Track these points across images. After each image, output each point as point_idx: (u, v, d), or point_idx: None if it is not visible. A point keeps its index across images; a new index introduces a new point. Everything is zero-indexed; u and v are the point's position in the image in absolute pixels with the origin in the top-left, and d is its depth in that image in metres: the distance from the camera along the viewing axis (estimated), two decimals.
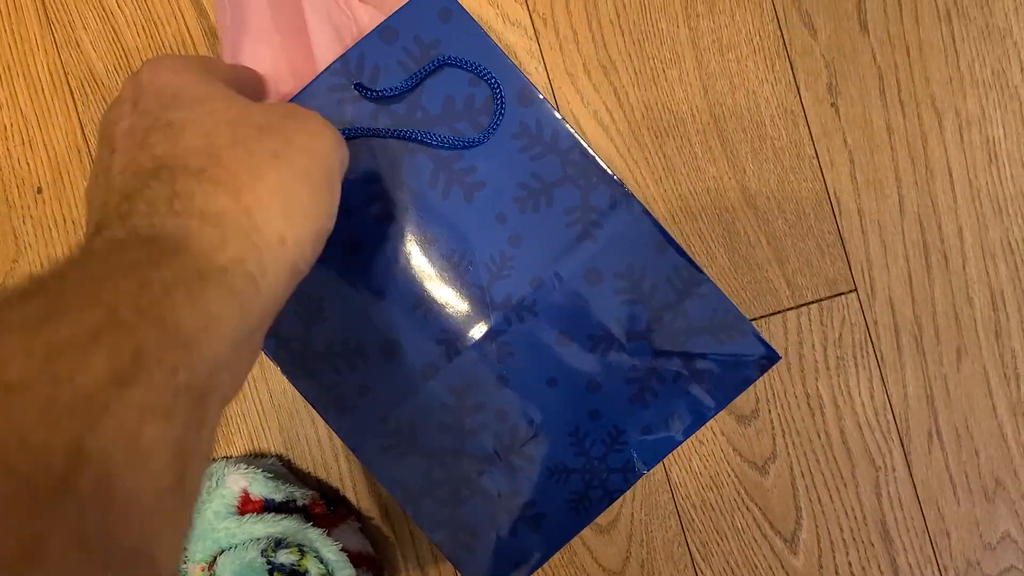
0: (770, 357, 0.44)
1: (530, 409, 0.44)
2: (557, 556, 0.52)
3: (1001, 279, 0.50)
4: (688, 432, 0.44)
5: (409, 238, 0.44)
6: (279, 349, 0.44)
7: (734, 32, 0.50)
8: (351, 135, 0.43)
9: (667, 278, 0.43)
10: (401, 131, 0.43)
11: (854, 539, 0.51)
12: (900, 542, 0.51)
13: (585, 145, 0.44)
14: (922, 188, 0.50)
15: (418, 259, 0.44)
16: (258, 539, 0.47)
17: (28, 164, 0.53)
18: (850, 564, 0.51)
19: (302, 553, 0.46)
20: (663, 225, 0.44)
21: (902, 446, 0.51)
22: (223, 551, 0.47)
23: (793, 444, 0.51)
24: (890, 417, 0.51)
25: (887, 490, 0.51)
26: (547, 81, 0.51)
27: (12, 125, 0.52)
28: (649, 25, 0.51)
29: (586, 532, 0.52)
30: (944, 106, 0.50)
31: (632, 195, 0.44)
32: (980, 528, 0.51)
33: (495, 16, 0.50)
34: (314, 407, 0.44)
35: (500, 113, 0.43)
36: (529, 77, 0.50)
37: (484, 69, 0.43)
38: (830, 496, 0.51)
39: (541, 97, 0.44)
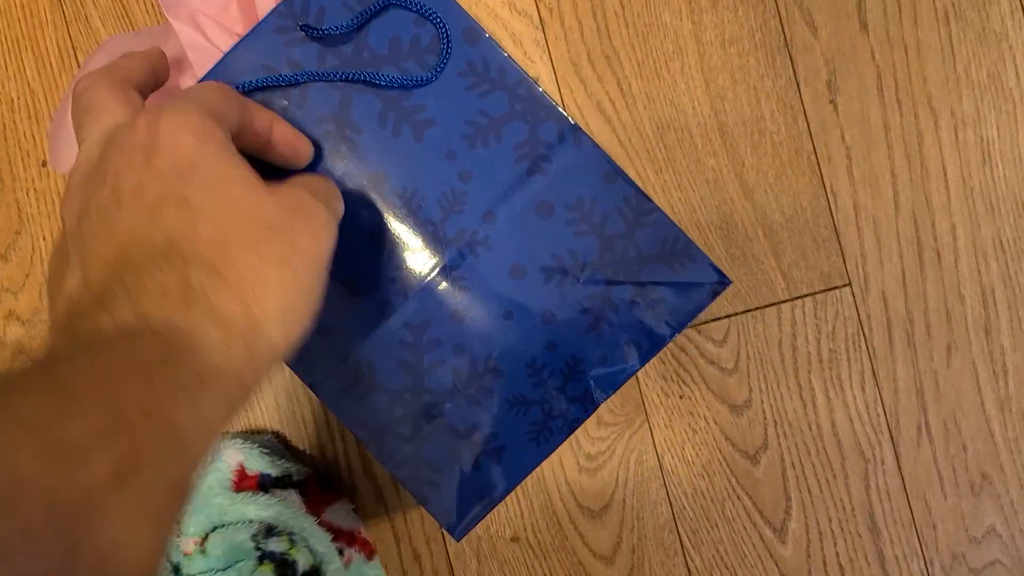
0: (722, 282, 0.45)
1: (487, 342, 0.44)
2: (548, 539, 0.52)
3: (992, 277, 0.51)
4: (644, 359, 0.44)
5: (361, 178, 0.44)
6: None
7: (736, 27, 0.51)
8: (299, 79, 0.43)
9: (617, 208, 0.45)
10: (348, 73, 0.43)
11: (842, 530, 0.52)
12: (887, 534, 0.52)
13: (532, 81, 0.45)
14: (917, 186, 0.51)
15: (371, 198, 0.44)
16: (249, 521, 0.47)
17: (34, 137, 0.53)
18: (837, 555, 0.52)
19: (292, 543, 0.46)
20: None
21: (891, 439, 0.52)
22: (215, 528, 0.47)
23: (784, 435, 0.52)
24: (880, 410, 0.52)
25: (875, 482, 0.52)
26: (551, 70, 0.51)
27: (19, 98, 0.53)
28: (653, 18, 0.51)
29: (577, 517, 0.52)
30: (940, 106, 0.51)
31: (580, 128, 0.45)
32: (966, 522, 0.52)
33: (501, 4, 0.51)
34: None
35: (447, 52, 0.43)
36: (533, 65, 0.51)
37: (429, 9, 0.43)
38: (820, 487, 0.52)
39: (487, 36, 0.44)
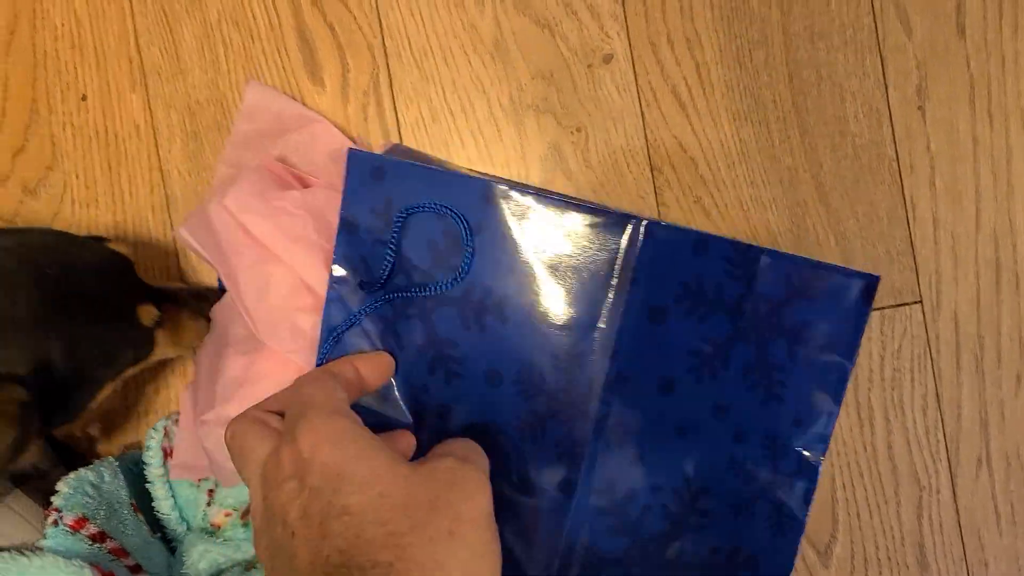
0: (869, 280, 0.41)
1: (678, 469, 0.41)
2: None
3: None
4: (838, 398, 0.41)
5: (479, 386, 0.42)
6: None
7: (827, 21, 0.49)
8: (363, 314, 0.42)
9: (724, 272, 0.41)
10: (403, 295, 0.41)
11: (889, 559, 0.49)
12: (936, 567, 0.49)
13: (576, 200, 0.41)
14: (1001, 204, 0.49)
15: (495, 399, 0.42)
16: None
17: (76, 69, 0.50)
18: None
19: None
20: (716, 231, 0.42)
21: (949, 469, 0.49)
22: None
23: (838, 454, 0.49)
24: (941, 436, 0.49)
25: (929, 512, 0.49)
26: (628, 47, 0.49)
27: (63, 26, 0.50)
28: (740, 1, 0.49)
29: None
30: None
31: (646, 219, 0.40)
32: (1020, 562, 0.49)
33: None
34: None
35: (470, 243, 0.40)
36: (610, 41, 0.49)
37: (434, 205, 0.40)
38: (870, 512, 0.49)
39: (504, 187, 0.40)
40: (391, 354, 0.42)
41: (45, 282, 0.38)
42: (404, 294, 0.41)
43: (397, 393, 0.42)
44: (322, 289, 0.42)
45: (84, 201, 0.50)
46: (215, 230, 0.43)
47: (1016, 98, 0.49)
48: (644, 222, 0.40)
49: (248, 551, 0.46)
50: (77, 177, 0.50)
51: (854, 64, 0.49)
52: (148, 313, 0.42)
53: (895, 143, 0.49)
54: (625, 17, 0.49)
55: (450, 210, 0.40)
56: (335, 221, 0.42)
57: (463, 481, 0.32)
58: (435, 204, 0.40)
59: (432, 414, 0.41)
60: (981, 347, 0.49)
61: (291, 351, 0.42)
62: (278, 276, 0.42)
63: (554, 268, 0.41)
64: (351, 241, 0.41)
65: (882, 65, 0.49)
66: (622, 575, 0.41)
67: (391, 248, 0.41)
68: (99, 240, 0.43)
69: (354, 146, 0.42)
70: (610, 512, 0.41)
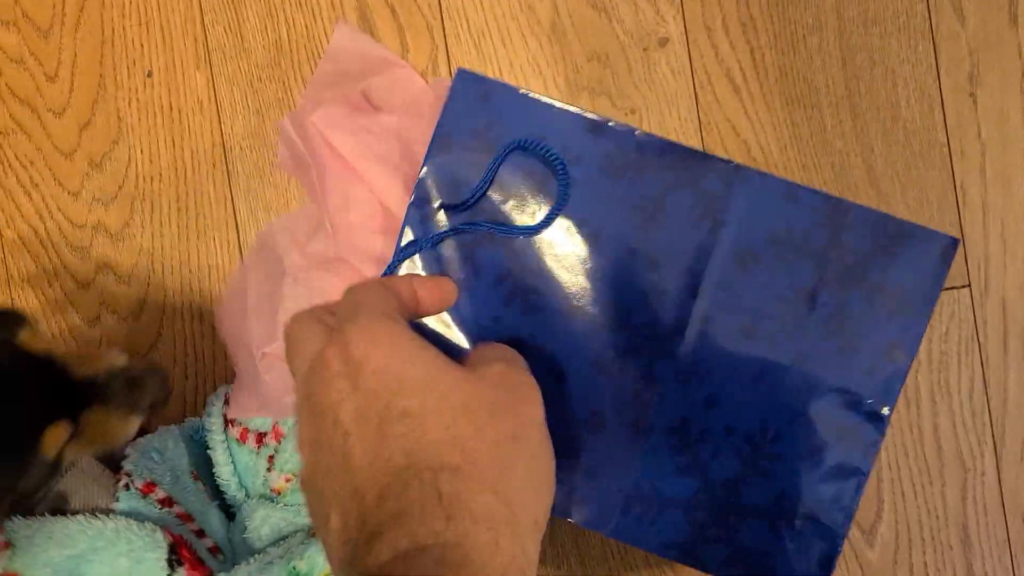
0: (950, 241, 0.41)
1: (753, 412, 0.42)
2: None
3: None
4: (912, 350, 0.42)
5: (562, 313, 0.43)
6: None
7: (881, 7, 0.49)
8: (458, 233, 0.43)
9: (813, 223, 0.42)
10: (495, 226, 0.43)
11: (933, 539, 0.50)
12: (980, 548, 0.50)
13: (675, 143, 0.42)
14: None
15: (580, 326, 0.43)
16: None
17: (142, 46, 0.51)
18: (925, 564, 0.50)
19: None
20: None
21: (995, 451, 0.50)
22: None
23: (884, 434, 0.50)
24: (987, 419, 0.50)
25: (973, 494, 0.50)
26: (683, 31, 0.49)
27: (131, 3, 0.51)
28: None
29: None
30: None
31: (741, 165, 0.42)
32: None
33: None
34: None
35: (565, 179, 0.42)
36: (665, 25, 0.49)
37: (540, 144, 0.42)
38: (915, 493, 0.50)
39: (610, 122, 0.42)
40: (465, 281, 0.42)
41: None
42: (491, 226, 0.42)
43: (461, 321, 0.43)
44: (400, 211, 0.43)
45: (148, 174, 0.51)
46: (307, 138, 0.44)
47: None
48: (738, 165, 0.41)
49: (306, 518, 0.47)
50: (141, 152, 0.51)
51: (907, 50, 0.49)
52: (54, 441, 0.35)
53: (946, 129, 0.49)
54: (681, 1, 0.50)
55: (548, 152, 0.42)
56: (418, 149, 0.43)
57: (519, 385, 0.32)
58: (537, 142, 0.42)
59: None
60: None
61: (364, 273, 0.43)
62: (358, 194, 0.44)
63: (648, 206, 0.42)
64: (442, 161, 0.42)
65: (935, 52, 0.49)
66: (685, 519, 0.42)
67: (488, 174, 0.42)
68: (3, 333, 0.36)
69: (463, 71, 0.43)
70: (681, 451, 0.42)
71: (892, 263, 0.41)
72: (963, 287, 0.49)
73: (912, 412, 0.50)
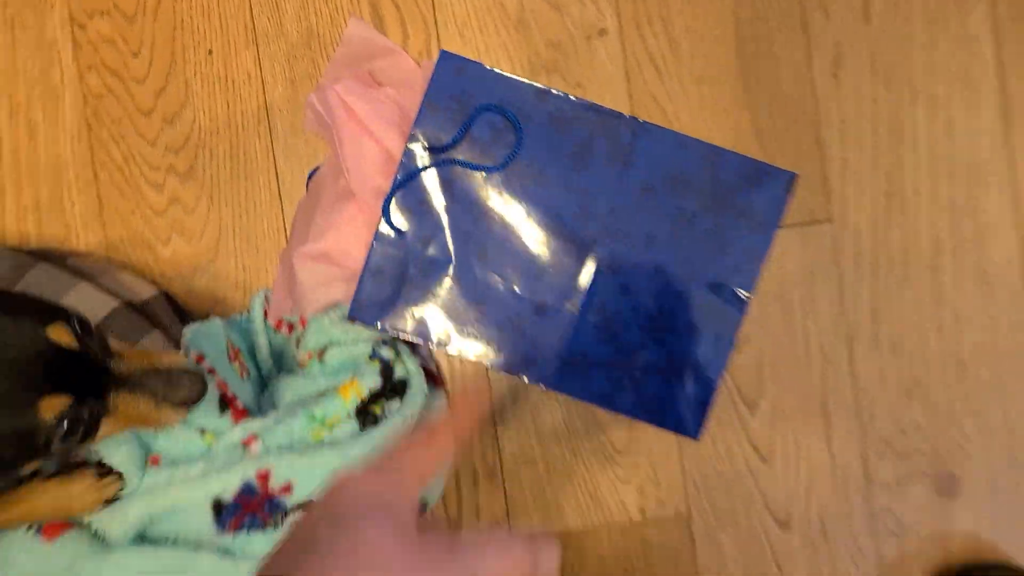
0: (791, 176, 0.60)
1: (651, 298, 0.59)
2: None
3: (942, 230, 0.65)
4: (763, 253, 0.60)
5: (518, 226, 0.60)
6: None
7: (767, 7, 0.65)
8: (439, 165, 0.60)
9: (698, 166, 0.59)
10: (462, 162, 0.59)
11: (799, 411, 0.66)
12: (835, 416, 0.66)
13: (594, 104, 0.59)
14: (893, 148, 0.65)
15: (534, 234, 0.60)
16: (367, 339, 0.61)
17: (204, 31, 0.67)
18: (795, 430, 0.66)
19: (397, 354, 0.61)
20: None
21: (849, 348, 0.66)
22: (332, 344, 0.62)
23: (767, 334, 0.66)
24: (843, 324, 0.66)
25: (832, 378, 0.66)
26: (619, 24, 0.65)
27: None
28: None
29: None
30: (920, 87, 0.65)
31: (643, 121, 0.58)
32: (895, 416, 0.66)
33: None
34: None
35: (520, 138, 0.59)
36: (603, 20, 0.65)
37: (501, 107, 0.59)
38: (788, 377, 0.66)
39: (553, 91, 0.59)
40: (445, 207, 0.59)
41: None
42: (464, 163, 0.58)
43: (442, 240, 0.59)
44: (399, 157, 0.59)
45: (209, 130, 0.67)
46: (328, 107, 0.60)
47: (907, 70, 0.65)
48: (643, 121, 0.58)
49: (321, 384, 0.62)
50: (203, 112, 0.67)
51: (786, 40, 0.65)
52: (51, 407, 0.41)
53: (816, 101, 0.65)
54: (617, 1, 0.65)
55: (507, 112, 0.58)
56: (412, 114, 0.59)
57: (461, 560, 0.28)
58: (497, 106, 0.58)
59: (472, 253, 0.59)
60: (876, 257, 0.65)
61: (372, 203, 0.59)
62: (370, 147, 0.60)
63: (577, 151, 0.59)
64: (430, 117, 0.59)
65: (807, 42, 0.65)
66: (605, 375, 0.58)
67: (462, 128, 0.58)
68: (38, 324, 0.43)
69: (446, 52, 0.60)
70: (602, 326, 0.59)
71: (752, 192, 0.58)
72: (827, 221, 0.65)
73: (787, 317, 0.66)
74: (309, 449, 0.54)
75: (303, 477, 0.53)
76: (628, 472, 0.66)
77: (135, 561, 0.51)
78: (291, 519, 0.53)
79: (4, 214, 0.68)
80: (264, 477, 0.53)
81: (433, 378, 0.64)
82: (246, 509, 0.53)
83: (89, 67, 0.68)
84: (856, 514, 0.66)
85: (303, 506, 0.53)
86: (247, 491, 0.53)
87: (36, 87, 0.68)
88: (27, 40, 0.68)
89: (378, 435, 0.55)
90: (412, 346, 0.63)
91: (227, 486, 0.52)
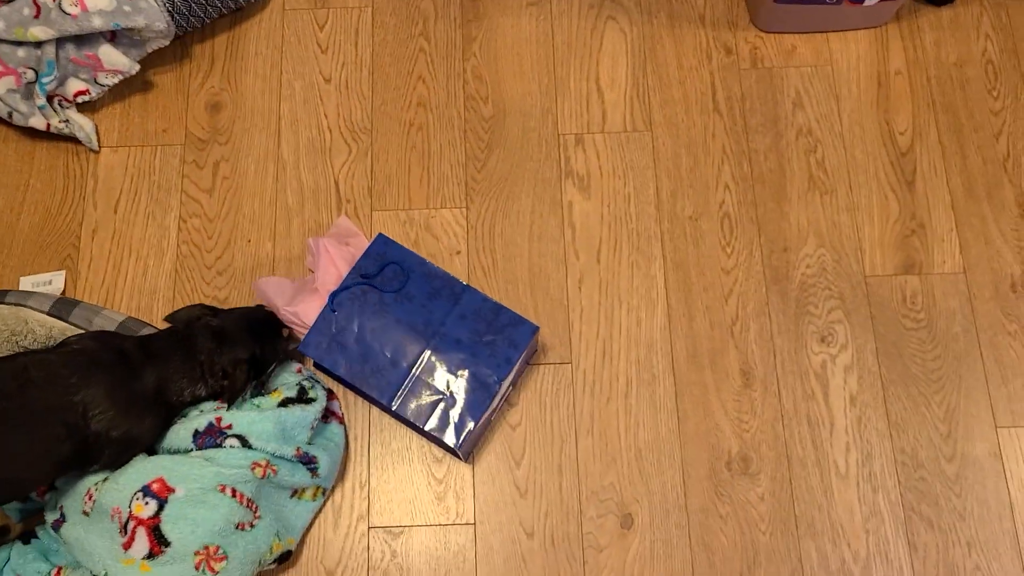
0: (534, 328, 1.09)
1: (453, 367, 1.08)
2: None
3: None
4: (507, 371, 1.07)
5: (397, 322, 1.12)
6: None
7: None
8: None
9: (492, 310, 1.11)
10: (379, 287, 1.15)
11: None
12: (566, 477, 1.09)
13: (445, 271, 1.14)
14: (605, 309, 1.18)
15: (394, 336, 1.12)
16: (299, 380, 1.10)
17: (247, 229, 1.26)
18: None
19: (312, 386, 1.08)
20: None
21: (576, 434, 1.11)
22: (280, 384, 1.10)
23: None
24: (573, 421, 1.12)
25: (565, 456, 1.10)
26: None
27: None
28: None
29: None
30: None
31: (468, 285, 1.12)
32: (600, 478, 1.09)
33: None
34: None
35: (406, 279, 1.14)
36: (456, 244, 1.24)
37: (398, 263, 1.14)
38: (542, 450, 1.10)
39: (429, 262, 1.15)
40: (360, 308, 1.10)
41: (254, 324, 1.07)
42: (374, 287, 1.11)
43: (356, 318, 1.09)
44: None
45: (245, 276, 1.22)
46: (317, 251, 1.15)
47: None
48: (468, 285, 1.12)
49: (266, 400, 1.07)
50: (240, 268, 1.23)
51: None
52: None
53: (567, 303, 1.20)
54: (467, 237, 1.24)
55: (402, 266, 1.12)
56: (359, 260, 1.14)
57: None
58: (397, 263, 1.12)
59: (367, 329, 1.08)
60: (599, 381, 1.14)
61: (325, 297, 1.11)
62: (333, 271, 1.13)
63: (432, 292, 1.11)
64: (360, 265, 1.12)
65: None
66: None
67: (379, 268, 1.12)
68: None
69: (381, 234, 1.16)
70: (420, 379, 1.05)
71: (513, 328, 1.09)
72: (566, 363, 1.16)
73: (542, 413, 1.12)
74: (243, 408, 1.00)
75: (237, 420, 0.98)
76: None
77: (154, 460, 0.95)
78: (228, 442, 0.97)
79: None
80: (219, 420, 0.98)
81: (334, 413, 1.10)
82: (207, 434, 0.97)
83: (184, 241, 1.25)
84: (572, 534, 1.06)
85: (236, 436, 0.97)
86: (209, 426, 0.97)
87: (153, 249, 1.24)
88: (158, 224, 1.26)
89: (285, 412, 1.01)
90: (330, 393, 1.10)
91: (199, 424, 0.97)
